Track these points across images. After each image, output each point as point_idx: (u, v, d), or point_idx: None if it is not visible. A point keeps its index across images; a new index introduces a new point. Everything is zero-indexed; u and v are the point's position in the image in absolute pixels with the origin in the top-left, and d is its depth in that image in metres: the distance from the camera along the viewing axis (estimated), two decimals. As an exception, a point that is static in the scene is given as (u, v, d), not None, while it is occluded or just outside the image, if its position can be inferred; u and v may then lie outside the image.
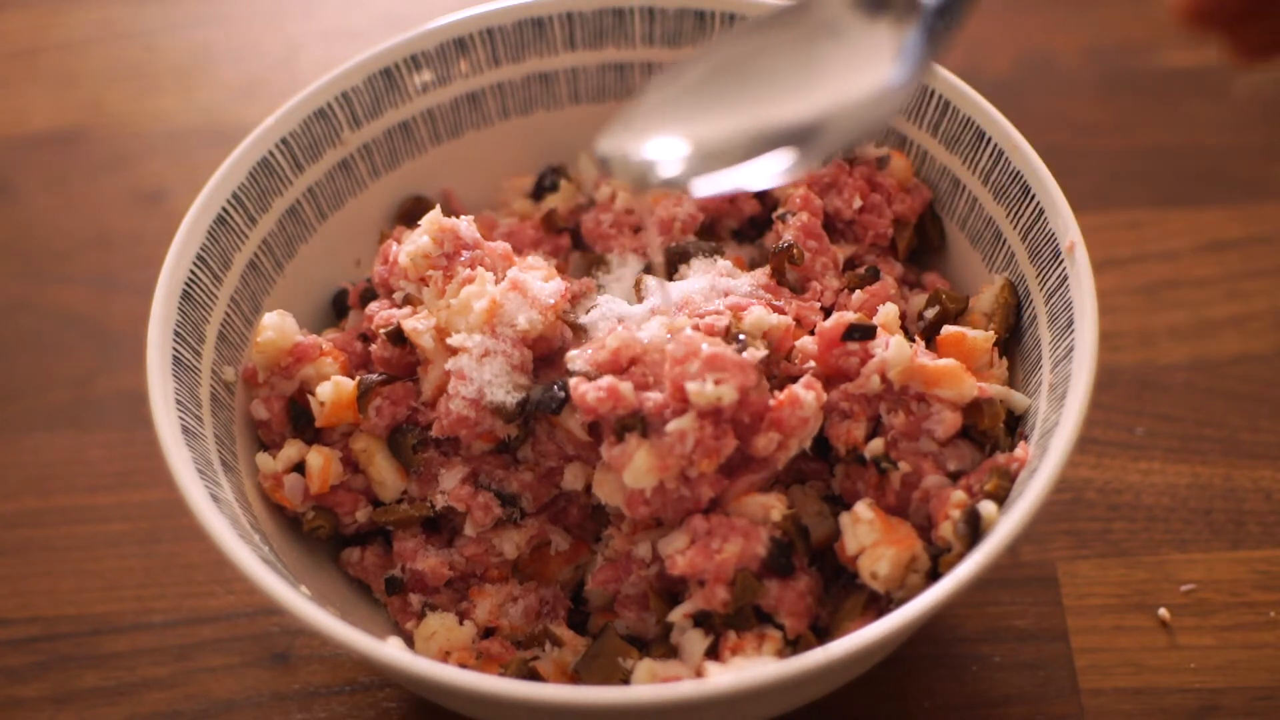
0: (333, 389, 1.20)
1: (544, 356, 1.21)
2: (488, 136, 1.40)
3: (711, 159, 1.02)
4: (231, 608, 1.34)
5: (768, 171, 1.01)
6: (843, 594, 1.17)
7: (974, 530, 1.09)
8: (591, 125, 1.39)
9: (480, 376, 1.17)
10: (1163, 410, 1.41)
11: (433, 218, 1.23)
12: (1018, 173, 1.23)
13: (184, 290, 1.20)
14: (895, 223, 1.30)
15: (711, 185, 1.03)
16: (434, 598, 1.23)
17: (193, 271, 1.21)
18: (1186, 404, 1.42)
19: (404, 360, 1.22)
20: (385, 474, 1.22)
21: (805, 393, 1.13)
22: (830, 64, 1.03)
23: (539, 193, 1.39)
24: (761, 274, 1.25)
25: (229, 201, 1.25)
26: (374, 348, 1.23)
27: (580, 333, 1.22)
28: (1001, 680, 1.26)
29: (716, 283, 1.23)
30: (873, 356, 1.16)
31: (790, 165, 1.00)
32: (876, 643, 1.03)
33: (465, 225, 1.24)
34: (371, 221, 1.37)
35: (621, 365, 1.14)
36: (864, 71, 1.02)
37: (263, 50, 1.80)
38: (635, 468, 1.11)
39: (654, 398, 1.12)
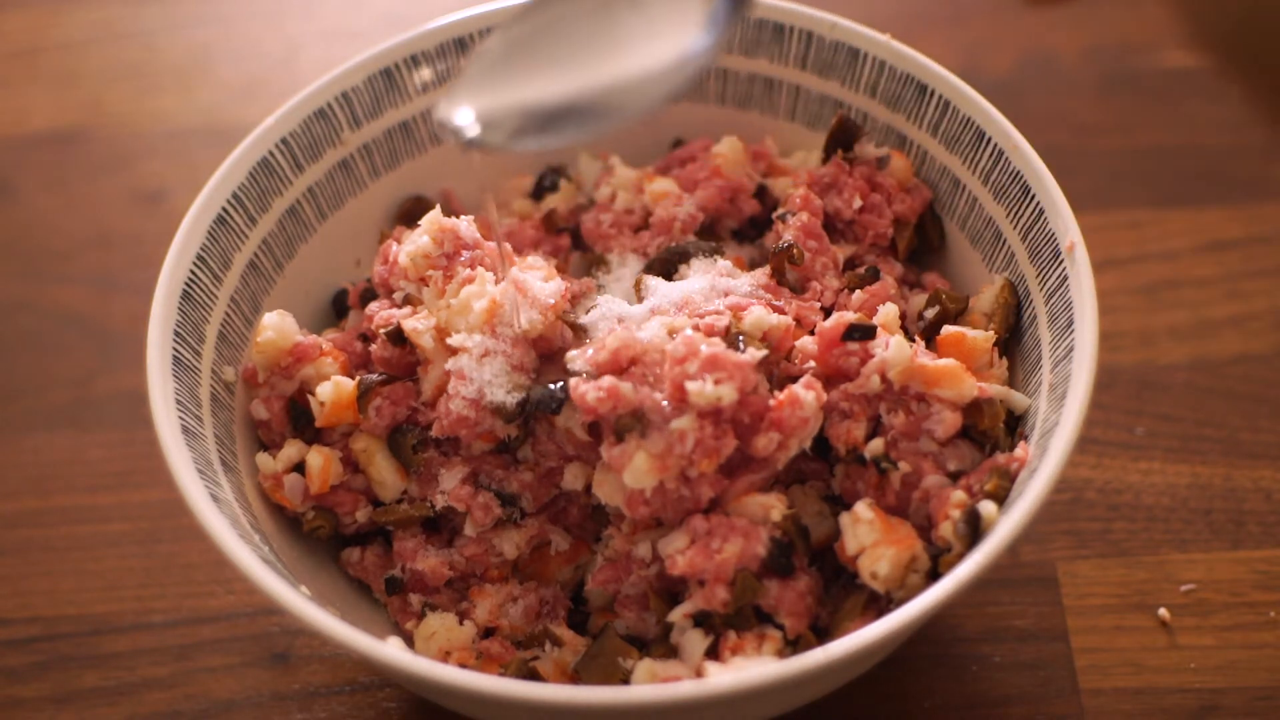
0: (333, 389, 1.20)
1: (544, 356, 1.21)
2: (488, 136, 1.40)
3: (508, 125, 1.09)
4: (231, 608, 1.34)
5: (557, 139, 1.10)
6: (843, 594, 1.17)
7: (974, 530, 1.09)
8: (591, 125, 1.39)
9: (480, 376, 1.17)
10: (1163, 410, 1.41)
11: (433, 218, 1.23)
12: (1018, 173, 1.23)
13: (184, 290, 1.20)
14: (895, 223, 1.30)
15: (506, 145, 1.10)
16: (434, 598, 1.23)
17: (193, 271, 1.21)
18: (1186, 404, 1.42)
19: (404, 360, 1.22)
20: (385, 474, 1.22)
21: (805, 393, 1.13)
22: (630, 32, 1.07)
23: (539, 193, 1.39)
24: (761, 274, 1.25)
25: (229, 201, 1.25)
26: (374, 348, 1.23)
27: (580, 333, 1.22)
28: (1001, 680, 1.26)
29: (716, 283, 1.23)
30: (873, 356, 1.16)
31: (577, 134, 1.09)
32: (876, 643, 1.03)
33: (465, 225, 1.24)
34: (371, 221, 1.37)
35: (621, 365, 1.14)
36: (664, 38, 1.06)
37: (263, 50, 1.80)
38: (635, 468, 1.11)
39: (654, 398, 1.12)
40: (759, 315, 1.17)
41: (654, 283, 1.24)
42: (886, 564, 1.11)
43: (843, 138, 1.31)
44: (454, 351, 1.18)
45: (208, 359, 1.21)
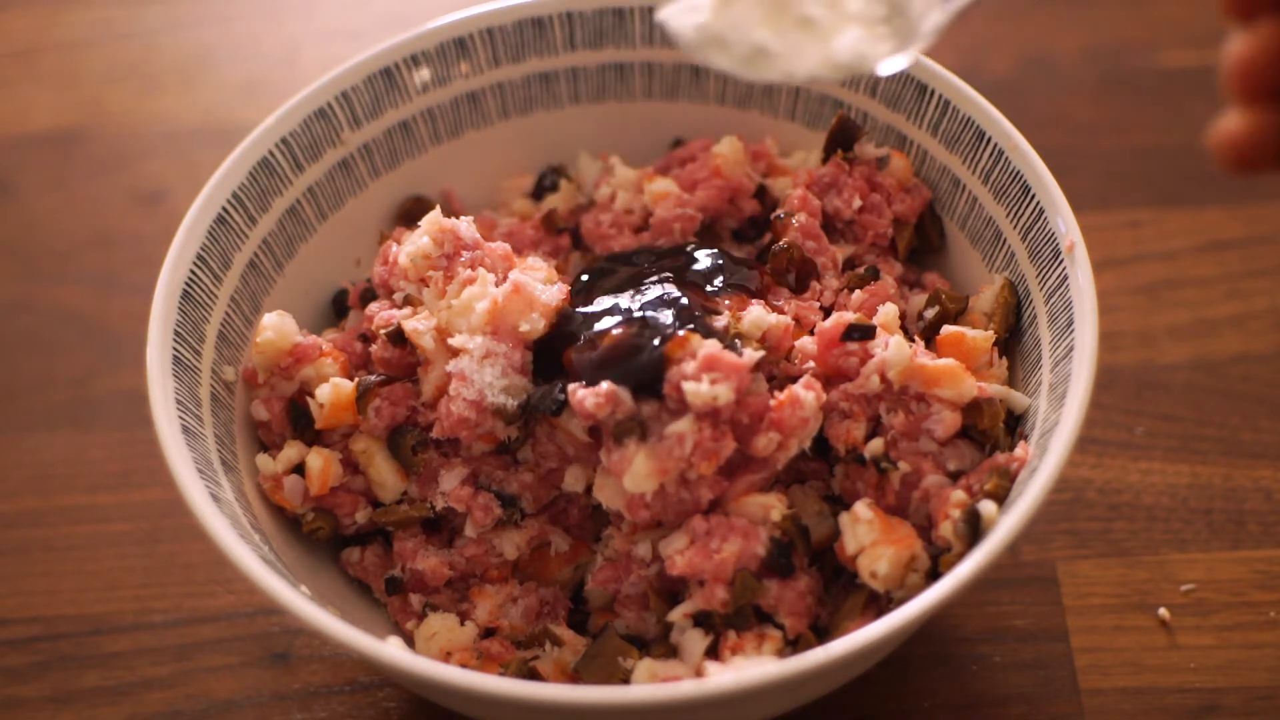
0: (331, 391, 1.20)
1: (543, 357, 1.21)
2: (488, 136, 1.40)
3: None
4: (231, 608, 1.34)
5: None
6: (843, 594, 1.17)
7: (974, 530, 1.09)
8: (591, 125, 1.40)
9: (481, 378, 1.17)
10: (1163, 410, 1.41)
11: (433, 218, 1.23)
12: (1018, 172, 1.23)
13: (184, 290, 1.20)
14: (895, 222, 1.30)
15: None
16: (434, 598, 1.23)
17: (193, 271, 1.21)
18: (1186, 404, 1.42)
19: (404, 361, 1.22)
20: (385, 475, 1.22)
21: (805, 393, 1.13)
22: None
23: (539, 193, 1.39)
24: (761, 274, 1.25)
25: (229, 201, 1.25)
26: (374, 348, 1.23)
27: (580, 333, 1.22)
28: (1001, 680, 1.26)
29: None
30: (872, 356, 1.16)
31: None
32: (876, 642, 1.03)
33: (465, 225, 1.24)
34: (371, 221, 1.37)
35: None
36: None
37: (263, 50, 1.80)
38: (635, 472, 1.11)
39: (652, 400, 1.12)
40: (758, 315, 1.17)
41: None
42: (886, 563, 1.11)
43: (842, 138, 1.31)
44: (455, 352, 1.18)
45: (208, 359, 1.21)
